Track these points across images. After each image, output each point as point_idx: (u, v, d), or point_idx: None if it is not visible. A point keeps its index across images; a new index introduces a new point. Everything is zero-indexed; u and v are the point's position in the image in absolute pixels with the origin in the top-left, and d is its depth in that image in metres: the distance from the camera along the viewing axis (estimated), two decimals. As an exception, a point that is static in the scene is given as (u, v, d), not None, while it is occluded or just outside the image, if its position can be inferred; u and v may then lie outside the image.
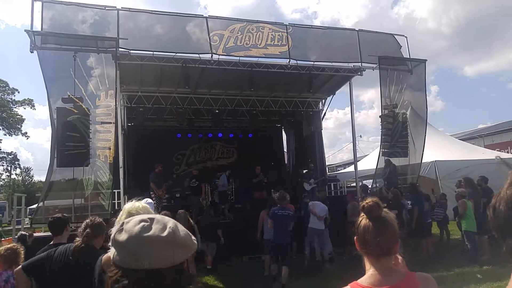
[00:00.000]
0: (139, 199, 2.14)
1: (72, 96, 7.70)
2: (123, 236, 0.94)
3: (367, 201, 1.59)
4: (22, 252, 3.91)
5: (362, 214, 1.59)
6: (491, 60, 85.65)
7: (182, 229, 0.99)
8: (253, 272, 7.91)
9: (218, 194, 12.38)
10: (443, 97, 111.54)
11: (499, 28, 76.83)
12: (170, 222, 0.98)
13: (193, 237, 1.02)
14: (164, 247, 0.93)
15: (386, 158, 10.61)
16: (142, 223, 0.95)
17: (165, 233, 0.94)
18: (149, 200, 4.70)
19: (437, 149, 13.49)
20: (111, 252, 0.98)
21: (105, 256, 2.08)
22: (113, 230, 0.99)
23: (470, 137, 26.74)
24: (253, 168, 12.60)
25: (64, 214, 3.72)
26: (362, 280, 1.50)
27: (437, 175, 12.82)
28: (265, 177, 12.46)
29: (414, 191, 9.58)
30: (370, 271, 1.51)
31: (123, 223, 0.98)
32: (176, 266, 0.95)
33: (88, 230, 2.91)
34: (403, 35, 11.08)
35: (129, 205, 2.05)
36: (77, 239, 2.89)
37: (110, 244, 0.99)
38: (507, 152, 21.66)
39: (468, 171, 12.03)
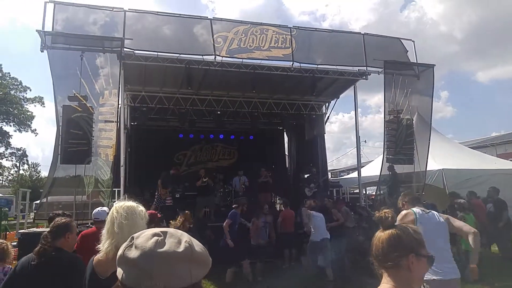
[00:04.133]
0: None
1: (77, 95, 7.83)
2: (134, 253, 0.85)
3: (382, 212, 1.60)
4: (11, 249, 3.85)
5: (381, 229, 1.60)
6: (506, 66, 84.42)
7: (197, 243, 0.91)
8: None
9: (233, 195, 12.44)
10: (454, 103, 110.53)
11: (513, 33, 75.48)
12: (185, 236, 0.90)
13: (208, 253, 0.94)
14: (180, 264, 0.84)
15: (389, 165, 10.47)
16: (155, 237, 0.87)
17: (181, 248, 0.85)
18: (105, 208, 4.73)
19: (445, 156, 13.10)
20: (118, 272, 0.88)
21: (96, 258, 2.06)
22: (122, 246, 0.90)
23: (481, 146, 25.82)
24: (258, 170, 12.62)
25: (65, 212, 3.69)
26: None
27: (444, 184, 12.43)
28: (271, 178, 12.47)
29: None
30: (382, 284, 1.50)
31: (132, 237, 0.90)
32: (193, 285, 0.86)
33: (46, 232, 2.88)
34: (410, 40, 10.96)
35: (115, 204, 2.07)
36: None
37: (117, 262, 0.90)
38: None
39: (479, 181, 11.49)
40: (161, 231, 0.89)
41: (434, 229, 3.52)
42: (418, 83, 10.76)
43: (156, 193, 10.69)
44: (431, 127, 11.04)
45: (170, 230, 0.91)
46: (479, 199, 9.30)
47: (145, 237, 0.88)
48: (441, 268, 3.37)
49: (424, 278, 3.84)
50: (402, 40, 10.90)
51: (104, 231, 2.01)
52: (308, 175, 12.93)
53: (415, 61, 10.72)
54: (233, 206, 7.82)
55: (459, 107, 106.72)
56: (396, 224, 1.59)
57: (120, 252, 0.89)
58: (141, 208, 2.09)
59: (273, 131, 16.23)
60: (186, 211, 8.35)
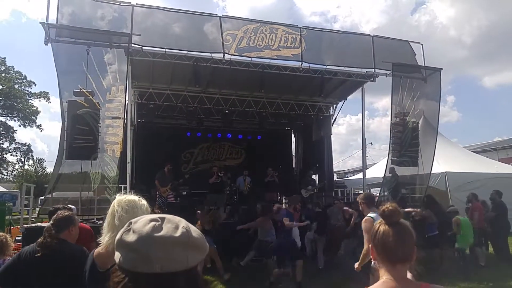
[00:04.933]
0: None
1: (83, 90, 7.77)
2: (131, 237, 0.87)
3: (387, 206, 1.59)
4: (11, 242, 3.81)
5: (380, 220, 1.59)
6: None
7: (194, 229, 0.93)
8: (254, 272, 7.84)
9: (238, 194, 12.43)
10: (460, 108, 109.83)
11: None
12: (182, 222, 0.92)
13: (205, 239, 0.96)
14: (177, 249, 0.86)
15: (390, 167, 10.50)
16: (153, 223, 0.89)
17: (178, 233, 0.87)
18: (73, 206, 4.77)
19: (449, 160, 13.23)
20: (116, 256, 0.90)
21: (96, 251, 2.05)
22: (120, 231, 0.92)
23: (484, 150, 26.31)
24: (265, 170, 12.63)
25: (65, 206, 3.69)
26: (375, 287, 1.48)
27: (447, 187, 12.55)
28: (277, 178, 12.47)
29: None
30: (383, 278, 1.49)
31: (130, 222, 0.92)
32: (189, 269, 0.87)
33: (49, 225, 2.89)
34: (419, 43, 10.92)
35: (117, 197, 2.05)
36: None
37: (115, 247, 0.91)
38: (521, 167, 21.20)
39: (479, 184, 11.77)
40: (159, 217, 0.91)
41: None
42: (426, 86, 10.74)
43: (157, 193, 10.74)
44: (437, 131, 11.04)
45: (168, 216, 0.93)
46: (479, 202, 9.39)
47: (143, 222, 0.89)
48: None
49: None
50: (410, 43, 10.85)
51: (105, 224, 2.00)
52: (307, 177, 12.96)
53: (423, 65, 10.66)
54: (285, 204, 7.54)
55: (465, 112, 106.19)
56: (402, 220, 1.58)
57: (118, 236, 0.90)
58: (143, 202, 2.06)
59: (280, 131, 16.18)
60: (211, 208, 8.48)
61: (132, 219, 1.87)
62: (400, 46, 10.77)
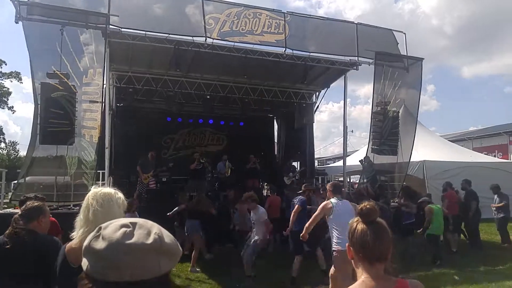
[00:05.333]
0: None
1: (58, 72, 7.46)
2: (100, 244, 0.83)
3: (364, 204, 1.59)
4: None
5: (357, 218, 1.58)
6: (491, 63, 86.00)
7: (167, 234, 0.89)
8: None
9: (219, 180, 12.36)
10: (439, 97, 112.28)
11: (501, 31, 76.93)
12: (155, 227, 0.88)
13: (178, 243, 0.92)
14: (149, 256, 0.82)
15: (365, 157, 10.70)
16: (124, 229, 0.85)
17: (150, 240, 0.84)
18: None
19: (427, 149, 13.55)
20: (83, 263, 0.86)
21: (68, 245, 1.98)
22: (89, 236, 0.88)
23: (460, 139, 27.12)
24: (247, 157, 12.60)
25: (38, 195, 3.55)
26: (354, 287, 1.49)
27: (424, 175, 12.88)
28: (259, 165, 12.47)
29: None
30: (362, 277, 1.49)
31: (100, 227, 0.87)
32: (161, 277, 0.84)
33: (17, 215, 2.82)
34: (402, 32, 10.95)
35: (91, 190, 1.97)
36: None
37: (82, 253, 0.87)
38: (494, 156, 21.97)
39: (454, 173, 12.15)
40: (130, 222, 0.88)
41: (346, 213, 4.70)
42: (407, 76, 10.85)
43: (139, 179, 10.58)
44: (417, 120, 11.22)
45: (140, 221, 0.90)
46: (453, 190, 9.70)
47: (113, 227, 0.86)
48: None
49: (341, 249, 4.47)
50: (394, 32, 10.87)
51: (78, 218, 1.94)
52: (287, 165, 13.04)
53: (405, 54, 10.72)
54: (299, 192, 7.29)
55: (443, 101, 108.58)
56: (378, 219, 1.58)
57: (86, 242, 0.87)
58: (119, 195, 2.00)
59: (263, 118, 16.09)
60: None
61: (108, 213, 1.81)
62: (383, 34, 10.77)
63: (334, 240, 4.84)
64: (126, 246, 0.82)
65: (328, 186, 5.53)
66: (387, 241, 1.53)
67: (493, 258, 7.91)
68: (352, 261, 1.56)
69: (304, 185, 7.80)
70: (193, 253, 7.39)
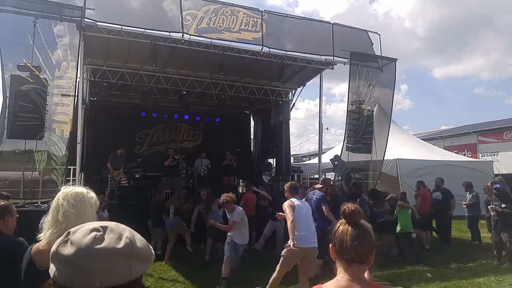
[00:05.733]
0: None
1: (29, 64, 7.20)
2: (69, 250, 0.79)
3: (348, 206, 1.59)
4: None
5: (342, 220, 1.58)
6: (460, 65, 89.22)
7: (139, 238, 0.87)
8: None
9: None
10: (412, 97, 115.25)
11: (471, 35, 79.97)
12: (126, 231, 0.86)
13: (151, 247, 0.90)
14: (119, 261, 0.80)
15: (336, 155, 10.87)
16: (94, 233, 0.82)
17: (121, 245, 0.81)
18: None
19: (400, 147, 13.89)
20: (51, 270, 0.82)
21: (35, 247, 1.89)
22: (57, 241, 0.84)
23: (432, 138, 27.76)
24: (223, 153, 12.60)
25: (2, 193, 3.43)
26: (326, 285, 1.49)
27: (398, 173, 13.21)
28: (235, 161, 12.47)
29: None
30: (338, 276, 1.50)
31: (68, 232, 0.84)
32: (132, 282, 0.82)
33: None
34: (376, 33, 11.18)
35: (62, 189, 1.88)
36: None
37: (50, 259, 0.83)
38: (464, 155, 22.79)
39: (426, 171, 12.50)
40: (100, 226, 0.85)
41: (307, 212, 5.32)
42: (381, 75, 11.07)
43: (109, 176, 10.39)
44: (391, 119, 11.50)
45: (111, 224, 0.87)
46: (426, 188, 9.95)
47: (83, 232, 0.83)
48: (312, 237, 5.13)
49: (303, 246, 4.81)
50: (368, 33, 11.08)
51: (46, 219, 1.83)
52: (263, 164, 13.13)
53: (380, 54, 10.97)
54: (317, 187, 7.08)
55: (416, 101, 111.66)
56: (362, 221, 1.58)
57: (53, 248, 0.83)
58: (92, 194, 1.91)
59: (239, 114, 16.07)
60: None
61: (80, 215, 1.77)
62: (358, 35, 10.98)
63: (290, 235, 5.01)
64: (95, 251, 0.79)
65: (286, 186, 5.71)
66: (368, 244, 1.52)
67: (464, 256, 8.10)
68: (335, 260, 1.58)
69: (322, 179, 7.91)
70: (168, 245, 7.38)
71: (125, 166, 10.57)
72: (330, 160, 11.61)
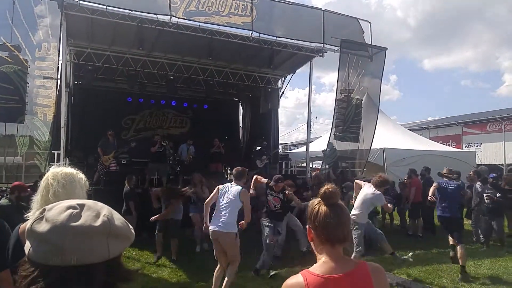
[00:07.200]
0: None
1: (8, 44, 6.96)
2: (43, 227, 0.78)
3: (327, 187, 1.57)
4: None
5: (319, 200, 1.57)
6: (449, 57, 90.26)
7: (118, 217, 0.85)
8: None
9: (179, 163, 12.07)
10: (401, 87, 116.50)
11: (460, 27, 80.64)
12: (105, 209, 0.84)
13: (130, 226, 0.88)
14: (96, 239, 0.78)
15: (329, 143, 10.88)
16: (70, 210, 0.80)
17: (98, 222, 0.80)
18: None
19: (387, 137, 14.00)
20: (26, 247, 0.81)
21: (22, 226, 1.89)
22: (30, 219, 0.85)
23: (419, 128, 28.18)
24: (211, 141, 12.43)
25: None
26: (315, 268, 1.47)
27: (384, 162, 13.33)
28: (223, 149, 12.34)
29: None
30: (322, 259, 1.49)
31: (44, 209, 0.82)
32: (110, 260, 0.80)
33: None
34: (367, 21, 11.11)
35: (51, 169, 1.87)
36: None
37: (25, 236, 0.82)
38: (449, 145, 23.16)
39: (412, 160, 12.64)
40: (77, 204, 0.83)
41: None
42: (371, 64, 11.08)
43: (99, 160, 10.20)
44: (379, 109, 11.54)
45: (89, 202, 0.85)
46: (418, 177, 10.04)
47: (58, 209, 0.81)
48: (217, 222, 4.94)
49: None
50: (359, 21, 10.99)
51: (36, 198, 1.83)
52: (259, 147, 12.89)
53: (370, 43, 10.92)
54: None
55: (405, 91, 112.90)
56: (339, 201, 1.59)
57: (28, 225, 0.82)
58: (81, 175, 1.91)
59: (228, 101, 15.88)
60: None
61: (70, 195, 1.71)
62: (349, 22, 10.89)
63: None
64: (71, 228, 0.77)
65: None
66: (348, 223, 1.57)
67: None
68: (312, 243, 1.57)
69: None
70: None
71: (116, 150, 10.36)
72: (323, 151, 11.59)
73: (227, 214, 4.88)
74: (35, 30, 7.35)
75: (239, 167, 5.28)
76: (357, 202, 6.06)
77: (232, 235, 4.88)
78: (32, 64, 7.26)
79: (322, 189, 1.58)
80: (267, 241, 6.09)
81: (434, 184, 6.71)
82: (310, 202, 1.64)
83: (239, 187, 5.00)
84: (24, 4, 7.16)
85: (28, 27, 7.21)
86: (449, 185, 6.42)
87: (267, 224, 6.27)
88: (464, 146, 25.69)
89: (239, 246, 5.01)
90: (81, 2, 7.97)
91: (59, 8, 7.47)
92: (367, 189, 6.07)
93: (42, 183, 1.84)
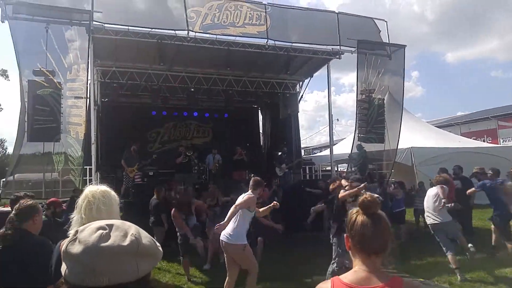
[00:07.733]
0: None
1: (43, 69, 7.47)
2: (77, 248, 0.81)
3: (365, 196, 1.56)
4: None
5: (357, 209, 1.56)
6: (474, 48, 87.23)
7: (145, 235, 0.88)
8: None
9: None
10: (423, 83, 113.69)
11: (484, 16, 77.85)
12: (132, 228, 0.87)
13: (157, 244, 0.91)
14: (126, 259, 0.81)
15: (357, 144, 10.72)
16: (100, 231, 0.84)
17: (126, 242, 0.82)
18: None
19: (414, 135, 13.59)
20: (62, 268, 0.85)
21: (63, 242, 2.02)
22: (66, 240, 0.87)
23: (447, 125, 27.02)
24: (233, 149, 12.71)
25: (27, 193, 3.53)
26: (344, 276, 1.48)
27: (412, 162, 12.92)
28: (245, 156, 12.56)
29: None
30: (355, 267, 1.49)
31: (76, 231, 0.86)
32: (140, 279, 0.83)
33: (12, 215, 2.77)
34: (383, 20, 11.05)
35: (88, 189, 1.99)
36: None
37: (62, 257, 0.86)
38: (483, 141, 22.12)
39: (444, 159, 12.05)
40: (106, 224, 0.86)
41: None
42: (390, 63, 10.92)
43: (124, 173, 10.55)
44: (403, 107, 11.34)
45: (117, 222, 0.88)
46: (450, 176, 9.57)
47: (89, 230, 0.85)
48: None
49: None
50: (375, 20, 10.98)
51: (77, 216, 1.92)
52: (280, 153, 13.02)
53: (388, 41, 10.88)
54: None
55: (428, 87, 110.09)
56: (379, 211, 1.56)
57: (63, 246, 0.86)
58: (114, 192, 2.04)
59: (247, 109, 16.15)
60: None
61: (111, 211, 1.90)
62: (364, 23, 10.90)
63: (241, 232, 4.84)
64: (101, 249, 0.80)
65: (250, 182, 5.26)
66: (387, 234, 1.50)
67: (488, 246, 7.38)
68: (350, 251, 1.56)
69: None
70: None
71: (139, 162, 10.74)
72: (349, 155, 11.38)
73: (235, 225, 4.80)
74: (66, 54, 7.85)
75: (256, 178, 5.22)
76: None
77: (239, 247, 4.77)
78: (64, 85, 7.74)
79: (361, 198, 1.57)
80: None
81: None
82: (350, 211, 1.63)
83: (243, 195, 4.94)
84: (56, 31, 7.67)
85: (60, 52, 7.72)
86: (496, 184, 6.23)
87: None
88: (501, 140, 24.19)
89: (252, 255, 4.92)
90: (106, 25, 8.47)
91: (87, 32, 7.96)
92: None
93: (82, 203, 1.92)
